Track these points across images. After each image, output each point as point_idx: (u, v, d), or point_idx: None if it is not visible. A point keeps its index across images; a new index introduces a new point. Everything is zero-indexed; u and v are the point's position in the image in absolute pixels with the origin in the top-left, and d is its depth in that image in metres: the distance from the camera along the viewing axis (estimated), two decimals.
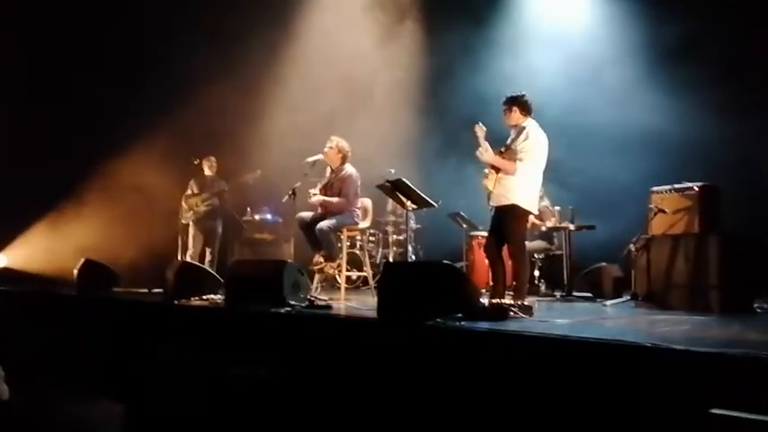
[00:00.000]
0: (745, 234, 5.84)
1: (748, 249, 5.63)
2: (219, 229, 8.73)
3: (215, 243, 8.62)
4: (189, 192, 8.65)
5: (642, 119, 7.72)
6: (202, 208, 8.53)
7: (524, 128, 5.64)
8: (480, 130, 5.68)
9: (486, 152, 5.63)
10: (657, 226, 6.05)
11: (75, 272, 7.45)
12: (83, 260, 7.50)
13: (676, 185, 5.98)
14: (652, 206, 6.09)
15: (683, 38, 7.43)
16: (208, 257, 8.49)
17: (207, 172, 8.69)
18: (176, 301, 6.07)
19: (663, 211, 6.00)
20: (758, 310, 5.57)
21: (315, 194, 7.16)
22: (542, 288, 7.77)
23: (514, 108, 5.69)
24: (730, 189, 6.13)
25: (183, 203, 8.58)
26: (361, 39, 9.21)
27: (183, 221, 8.59)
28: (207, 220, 8.58)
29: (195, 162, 8.63)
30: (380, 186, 6.74)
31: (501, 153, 5.68)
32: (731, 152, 7.08)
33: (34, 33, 9.19)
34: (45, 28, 9.22)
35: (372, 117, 8.71)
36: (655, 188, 6.13)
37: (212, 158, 8.75)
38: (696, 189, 5.83)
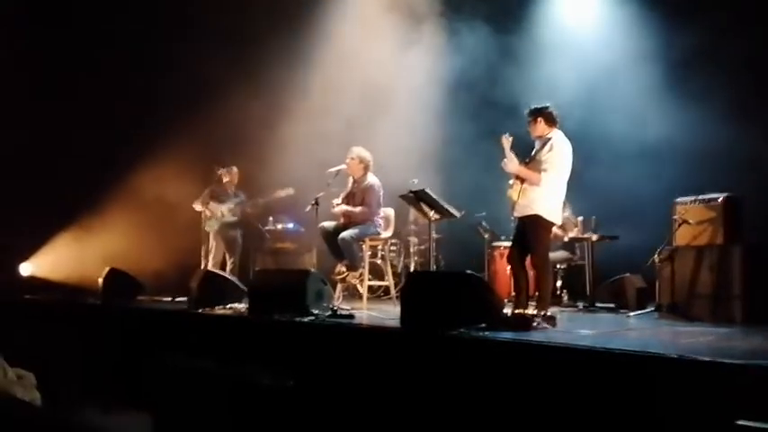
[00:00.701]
0: None
1: None
2: (240, 239, 8.77)
3: (236, 252, 8.65)
4: (207, 200, 8.61)
5: (663, 127, 7.66)
6: (228, 217, 8.56)
7: (549, 139, 5.64)
8: (507, 141, 5.70)
9: (511, 162, 5.65)
10: (682, 237, 6.03)
11: (100, 281, 7.55)
12: (107, 269, 7.60)
13: (700, 196, 5.96)
14: (676, 217, 6.07)
15: (698, 45, 7.40)
16: (229, 266, 8.52)
17: (225, 179, 8.68)
18: (200, 310, 6.12)
19: (687, 222, 5.97)
20: None
21: (338, 204, 7.20)
22: (565, 298, 7.73)
23: (540, 119, 5.69)
24: (754, 199, 6.09)
25: (206, 210, 8.60)
26: (382, 44, 9.19)
27: (207, 229, 8.62)
28: (228, 229, 8.60)
29: (218, 170, 8.65)
30: (403, 197, 6.76)
31: (526, 164, 5.69)
32: (754, 161, 7.02)
33: (52, 44, 9.27)
34: (60, 38, 9.28)
35: (394, 125, 8.69)
36: (679, 199, 6.11)
37: (234, 168, 8.77)
38: (720, 200, 5.80)
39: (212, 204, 8.55)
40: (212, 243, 8.58)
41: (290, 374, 4.76)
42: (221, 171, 8.65)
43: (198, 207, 8.58)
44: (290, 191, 8.30)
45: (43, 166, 9.06)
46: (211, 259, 8.50)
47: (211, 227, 8.56)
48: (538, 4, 9.24)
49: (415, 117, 8.89)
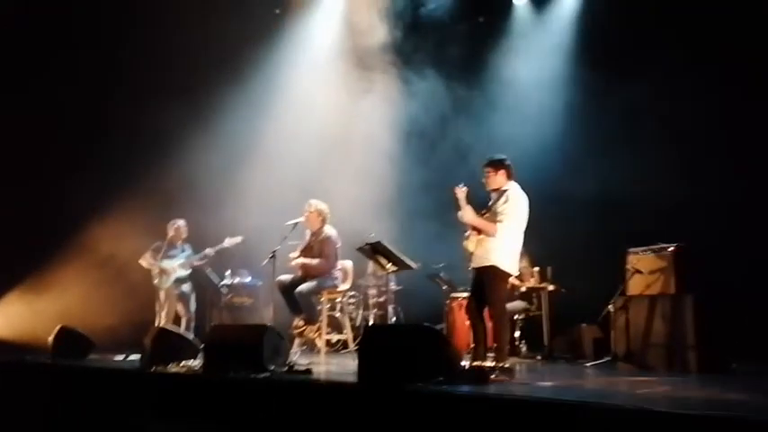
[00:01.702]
0: (721, 294, 5.91)
1: (724, 309, 5.70)
2: (193, 293, 8.62)
3: (189, 307, 8.49)
4: (155, 256, 8.43)
5: (615, 180, 7.82)
6: (179, 272, 8.43)
7: (506, 190, 5.71)
8: (461, 192, 5.74)
9: (466, 214, 5.69)
10: (634, 286, 6.13)
11: (51, 339, 7.33)
12: (58, 327, 7.39)
13: (652, 246, 6.08)
14: (629, 267, 6.17)
15: (647, 99, 7.64)
16: (184, 323, 8.36)
17: (170, 234, 8.52)
18: (153, 368, 5.96)
19: (639, 272, 6.08)
20: (735, 370, 5.60)
21: (295, 257, 7.16)
22: (523, 349, 7.75)
23: (501, 171, 5.76)
24: (705, 248, 6.23)
25: (154, 268, 8.41)
26: (335, 92, 9.33)
27: (158, 285, 8.43)
28: (180, 284, 8.45)
29: (171, 224, 8.52)
30: (360, 249, 6.76)
31: (482, 214, 5.74)
32: (705, 211, 7.21)
33: None
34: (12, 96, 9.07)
35: (349, 172, 8.75)
36: (631, 249, 6.22)
37: (179, 222, 8.61)
38: (671, 249, 5.93)
39: (162, 260, 8.42)
40: (164, 299, 8.41)
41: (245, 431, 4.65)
42: (170, 225, 8.53)
43: (144, 264, 8.45)
44: (239, 239, 8.24)
45: None
46: (164, 316, 8.32)
47: (162, 283, 8.40)
48: (487, 59, 9.47)
49: (370, 164, 8.93)
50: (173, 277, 8.40)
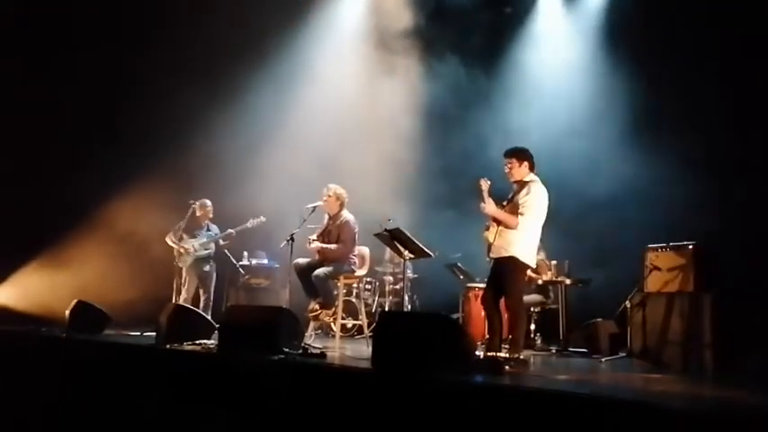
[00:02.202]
0: (739, 292, 5.85)
1: (741, 308, 5.65)
2: (214, 274, 8.68)
3: (209, 287, 8.54)
4: (179, 234, 8.49)
5: (634, 175, 7.77)
6: (201, 252, 8.48)
7: (527, 183, 5.68)
8: (485, 184, 5.72)
9: (489, 206, 5.68)
10: (653, 283, 6.08)
11: (67, 312, 7.41)
12: (75, 301, 7.47)
13: (671, 243, 6.02)
14: (647, 263, 6.12)
15: (668, 93, 7.58)
16: (202, 302, 8.41)
17: (198, 213, 8.59)
18: (168, 346, 6.01)
19: (658, 269, 6.03)
20: (751, 369, 5.55)
21: (313, 241, 7.18)
22: (539, 342, 7.73)
23: (524, 163, 5.72)
24: (725, 246, 6.17)
25: (179, 246, 8.48)
26: (358, 74, 9.33)
27: (180, 264, 8.52)
28: (201, 264, 8.50)
29: (191, 203, 8.56)
30: (378, 235, 6.75)
31: (503, 206, 5.72)
32: (725, 210, 7.14)
33: (21, 72, 9.15)
34: (27, 69, 9.16)
35: (371, 162, 8.75)
36: (650, 245, 6.17)
37: (206, 201, 8.69)
38: (690, 247, 5.87)
39: (185, 239, 8.47)
40: (185, 278, 8.47)
41: (257, 413, 4.68)
42: (195, 205, 8.58)
43: (170, 242, 8.50)
44: (262, 219, 8.25)
45: (14, 195, 8.92)
46: (184, 293, 8.38)
47: (184, 262, 8.45)
48: (509, 48, 9.43)
49: (393, 155, 8.93)
50: (194, 256, 8.46)
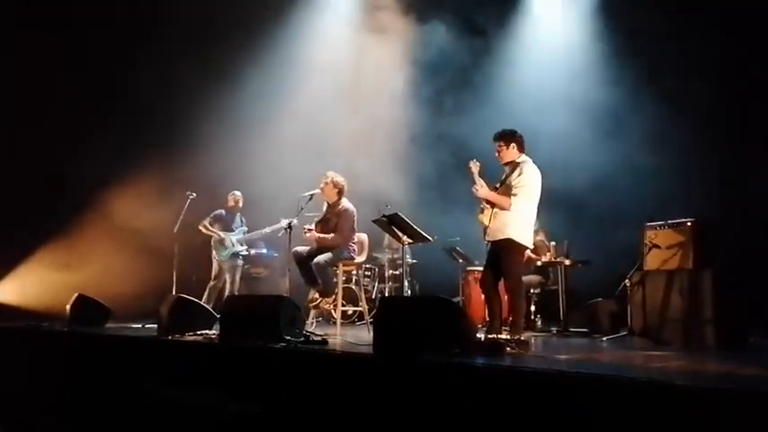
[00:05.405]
0: (739, 268, 5.86)
1: (742, 283, 5.66)
2: (242, 267, 8.86)
3: (236, 277, 8.66)
4: (213, 223, 8.59)
5: (630, 153, 7.75)
6: (237, 247, 8.62)
7: (519, 164, 5.69)
8: (475, 166, 5.73)
9: (481, 188, 5.68)
10: (652, 261, 6.07)
11: (68, 307, 7.42)
12: (75, 295, 7.48)
13: (669, 221, 6.02)
14: (646, 242, 6.12)
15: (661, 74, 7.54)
16: (228, 291, 8.51)
17: (230, 204, 8.73)
18: (170, 337, 6.02)
19: (657, 247, 6.02)
20: (753, 344, 5.57)
21: (310, 230, 7.16)
22: (539, 323, 7.75)
23: (512, 144, 5.73)
24: (724, 222, 6.17)
25: (214, 236, 8.56)
26: (354, 40, 9.35)
27: (218, 258, 8.58)
28: (236, 258, 8.69)
29: (188, 194, 8.55)
30: (376, 221, 6.74)
31: (496, 189, 5.72)
32: (723, 185, 7.14)
33: (19, 67, 9.16)
34: (28, 61, 9.15)
35: (369, 147, 8.75)
36: (648, 223, 6.16)
37: (237, 193, 8.80)
38: (689, 224, 5.86)
39: (222, 233, 8.57)
40: (217, 270, 8.62)
41: (260, 401, 4.68)
42: (230, 196, 8.71)
43: (203, 230, 8.62)
44: (283, 224, 8.29)
45: (14, 190, 8.91)
46: (212, 286, 8.56)
47: (224, 256, 8.58)
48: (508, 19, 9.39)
49: (391, 141, 8.92)
50: (231, 251, 8.58)
